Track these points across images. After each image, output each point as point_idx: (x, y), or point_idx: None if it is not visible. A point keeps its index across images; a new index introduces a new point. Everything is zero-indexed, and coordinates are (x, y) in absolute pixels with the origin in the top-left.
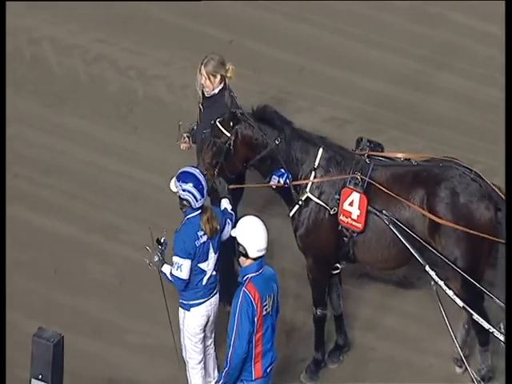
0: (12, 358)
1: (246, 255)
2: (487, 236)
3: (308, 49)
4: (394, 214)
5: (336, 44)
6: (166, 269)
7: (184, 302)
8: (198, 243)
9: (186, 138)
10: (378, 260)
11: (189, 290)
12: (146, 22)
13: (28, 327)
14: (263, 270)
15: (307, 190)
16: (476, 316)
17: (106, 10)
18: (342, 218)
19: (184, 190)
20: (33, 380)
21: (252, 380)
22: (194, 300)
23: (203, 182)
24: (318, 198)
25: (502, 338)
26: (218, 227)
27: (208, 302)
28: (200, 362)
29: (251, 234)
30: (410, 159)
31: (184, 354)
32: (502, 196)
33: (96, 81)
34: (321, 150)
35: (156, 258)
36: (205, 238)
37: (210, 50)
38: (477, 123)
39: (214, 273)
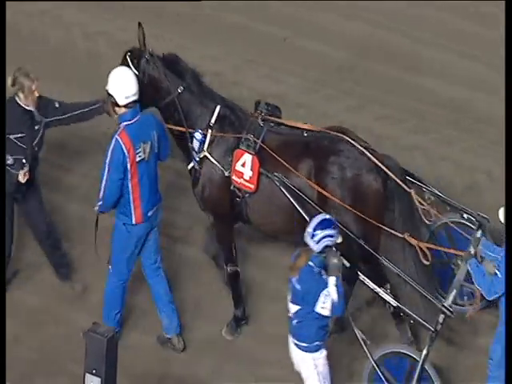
0: (66, 352)
1: (117, 104)
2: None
3: (360, 47)
4: (285, 177)
5: (388, 42)
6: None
7: None
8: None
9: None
10: (268, 222)
11: None
12: (197, 19)
13: (82, 322)
14: (139, 118)
15: (205, 148)
16: (362, 277)
17: (157, 6)
18: (234, 178)
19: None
20: (86, 374)
21: (132, 224)
22: None
23: (313, 225)
24: (214, 158)
25: (387, 298)
26: (294, 273)
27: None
28: None
29: (117, 83)
30: (302, 129)
31: None
32: (385, 168)
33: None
34: (218, 108)
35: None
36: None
37: (262, 47)
38: None
39: (292, 319)
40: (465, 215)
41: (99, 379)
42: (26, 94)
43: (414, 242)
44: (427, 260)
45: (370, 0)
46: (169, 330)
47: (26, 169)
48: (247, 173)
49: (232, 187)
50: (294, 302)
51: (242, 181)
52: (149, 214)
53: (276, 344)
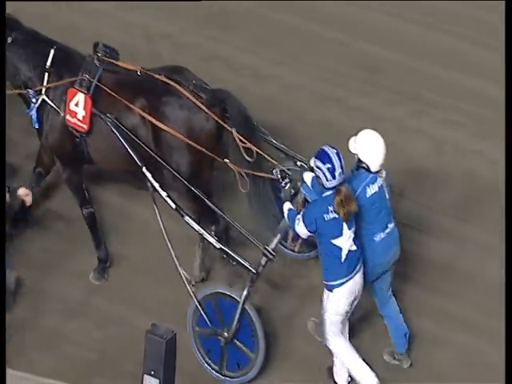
0: (125, 353)
1: None
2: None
3: (421, 51)
4: (118, 118)
5: (449, 46)
6: (286, 205)
7: (326, 282)
8: (327, 217)
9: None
10: (108, 161)
11: (329, 269)
12: (256, 21)
13: (141, 323)
14: None
15: (43, 92)
16: (187, 218)
17: (216, 8)
18: (68, 117)
19: (316, 167)
20: (145, 376)
21: None
22: (336, 280)
23: (334, 162)
24: (51, 100)
25: (211, 239)
26: (355, 209)
27: (351, 282)
28: (339, 335)
29: None
30: (137, 70)
31: (324, 329)
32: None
33: (210, 79)
34: (52, 51)
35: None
36: (336, 215)
37: (321, 50)
38: None
39: (354, 248)
40: (298, 162)
41: (157, 381)
42: None
43: (233, 167)
44: (245, 188)
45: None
46: None
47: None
48: (80, 112)
49: (70, 128)
50: (350, 227)
51: (75, 120)
52: None
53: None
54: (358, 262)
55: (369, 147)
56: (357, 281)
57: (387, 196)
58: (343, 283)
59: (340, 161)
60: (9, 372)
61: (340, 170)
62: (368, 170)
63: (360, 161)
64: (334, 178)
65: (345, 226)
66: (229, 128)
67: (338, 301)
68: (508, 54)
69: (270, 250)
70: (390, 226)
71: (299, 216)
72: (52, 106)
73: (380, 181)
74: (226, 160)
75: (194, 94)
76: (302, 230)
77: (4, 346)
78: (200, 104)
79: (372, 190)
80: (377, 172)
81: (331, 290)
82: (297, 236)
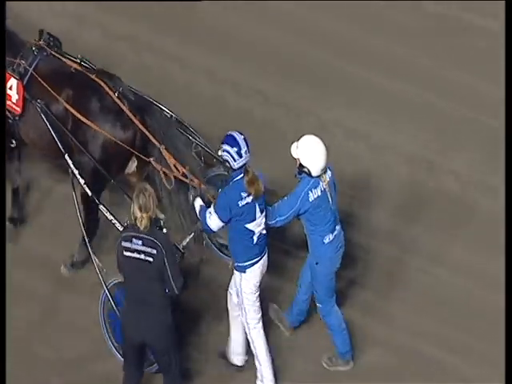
0: None
1: None
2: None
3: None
4: (47, 105)
5: None
6: (197, 202)
7: (239, 264)
8: (241, 203)
9: None
10: (36, 145)
11: (241, 252)
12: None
13: None
14: None
15: None
16: (101, 206)
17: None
18: None
19: (223, 151)
20: None
21: None
22: (248, 261)
23: (241, 143)
24: None
25: (112, 218)
26: (262, 188)
27: (261, 261)
28: (259, 321)
29: None
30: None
31: (244, 318)
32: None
33: (269, 123)
34: None
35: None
36: (249, 199)
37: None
38: None
39: (264, 231)
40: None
41: None
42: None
43: (158, 166)
44: (170, 184)
45: None
46: None
47: None
48: (14, 96)
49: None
50: (262, 211)
51: (10, 103)
52: None
53: None
54: (266, 243)
55: (310, 152)
56: (265, 259)
57: (330, 200)
58: (255, 263)
59: (246, 142)
60: None
61: (245, 148)
62: (309, 174)
63: (301, 165)
64: (240, 156)
65: (258, 210)
66: (152, 137)
67: (250, 279)
68: None
69: (179, 246)
70: (338, 227)
71: (210, 209)
72: None
73: (322, 185)
74: (151, 159)
75: (119, 98)
76: (214, 222)
77: (4, 346)
78: (123, 107)
79: (315, 194)
80: (318, 176)
81: (244, 271)
82: (207, 231)
